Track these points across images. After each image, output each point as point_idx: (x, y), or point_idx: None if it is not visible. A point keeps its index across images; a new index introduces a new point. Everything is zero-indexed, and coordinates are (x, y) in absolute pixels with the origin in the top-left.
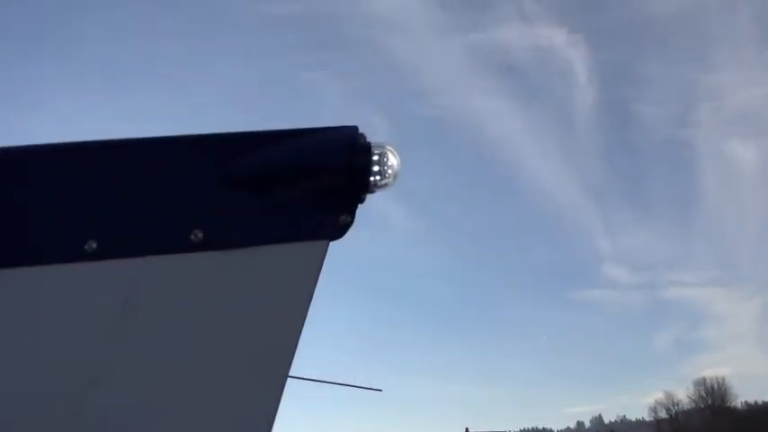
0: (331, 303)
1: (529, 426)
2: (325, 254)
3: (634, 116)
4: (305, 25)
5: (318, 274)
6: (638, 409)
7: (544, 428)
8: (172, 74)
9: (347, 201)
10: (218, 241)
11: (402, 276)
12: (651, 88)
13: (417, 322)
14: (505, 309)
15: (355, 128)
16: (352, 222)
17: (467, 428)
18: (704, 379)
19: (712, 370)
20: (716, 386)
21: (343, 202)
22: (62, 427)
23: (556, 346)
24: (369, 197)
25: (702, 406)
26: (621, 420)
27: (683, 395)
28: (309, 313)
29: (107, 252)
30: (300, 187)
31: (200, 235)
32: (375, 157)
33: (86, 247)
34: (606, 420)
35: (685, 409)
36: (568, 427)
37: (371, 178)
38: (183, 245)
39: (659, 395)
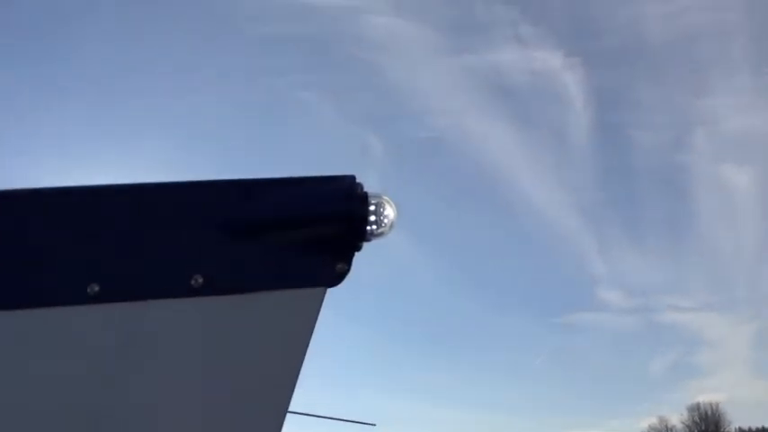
0: (322, 336)
1: None
2: (322, 300)
3: (629, 140)
4: (300, 46)
5: (315, 320)
6: None
7: None
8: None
9: (344, 249)
10: (217, 287)
11: (391, 299)
12: (646, 113)
13: (408, 346)
14: (497, 330)
15: (353, 177)
16: (348, 270)
17: None
18: (698, 404)
19: (706, 395)
20: (710, 412)
21: (340, 251)
22: None
23: (548, 369)
24: (365, 245)
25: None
26: None
27: (677, 420)
28: (306, 358)
29: (109, 295)
30: (299, 235)
31: (201, 280)
32: (372, 207)
33: (89, 290)
34: None
35: None
36: None
37: (368, 227)
38: (183, 290)
39: (653, 420)
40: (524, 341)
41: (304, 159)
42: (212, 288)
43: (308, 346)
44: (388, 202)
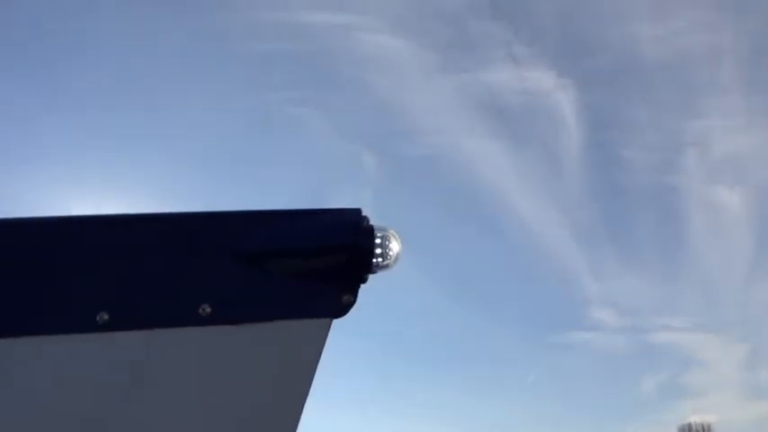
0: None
1: None
2: (328, 331)
3: (621, 160)
4: (294, 63)
5: (322, 351)
6: None
7: None
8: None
9: (351, 281)
10: (225, 316)
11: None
12: (638, 133)
13: (394, 365)
14: (488, 349)
15: (359, 210)
16: (354, 302)
17: None
18: (690, 425)
19: (698, 416)
20: None
21: (346, 282)
22: None
23: (540, 388)
24: (370, 277)
25: None
26: None
27: None
28: (312, 388)
29: (118, 324)
30: (306, 267)
31: (209, 309)
32: (378, 240)
33: (98, 318)
34: None
35: None
36: None
37: (374, 260)
38: (191, 319)
39: None
40: (516, 360)
41: (297, 176)
42: (220, 317)
43: (314, 376)
44: (393, 236)
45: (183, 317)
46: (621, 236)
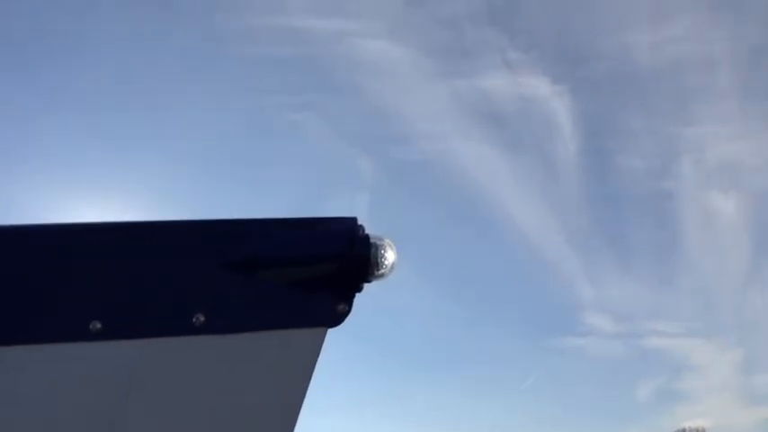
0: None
1: None
2: (323, 340)
3: (617, 166)
4: (291, 67)
5: (316, 360)
6: None
7: None
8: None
9: (346, 290)
10: (219, 325)
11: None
12: (633, 140)
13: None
14: (481, 354)
15: (354, 219)
16: (349, 311)
17: None
18: (684, 430)
19: (692, 421)
20: None
21: (341, 292)
22: None
23: (534, 393)
24: (366, 286)
25: None
26: None
27: None
28: (306, 397)
29: (111, 333)
30: (301, 275)
31: (202, 318)
32: (373, 249)
33: (91, 327)
34: None
35: None
36: None
37: (369, 269)
38: (185, 328)
39: None
40: (510, 365)
41: (294, 179)
42: (214, 326)
43: (308, 385)
44: (389, 245)
45: (177, 326)
46: (617, 241)
